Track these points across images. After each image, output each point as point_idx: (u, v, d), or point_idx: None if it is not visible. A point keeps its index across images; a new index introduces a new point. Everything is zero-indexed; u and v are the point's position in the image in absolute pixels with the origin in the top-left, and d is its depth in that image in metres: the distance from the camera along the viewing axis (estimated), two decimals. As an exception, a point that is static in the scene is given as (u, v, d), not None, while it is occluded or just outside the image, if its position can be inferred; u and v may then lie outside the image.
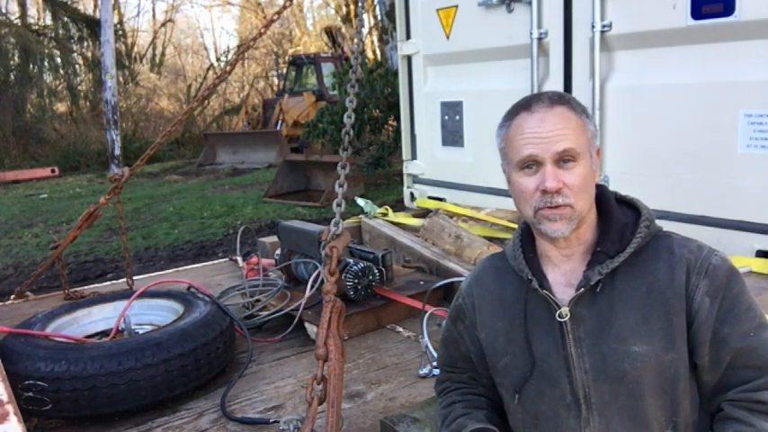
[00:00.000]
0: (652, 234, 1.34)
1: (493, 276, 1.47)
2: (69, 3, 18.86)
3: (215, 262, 4.04)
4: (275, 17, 3.17)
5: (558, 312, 1.31)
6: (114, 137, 13.30)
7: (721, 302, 1.27)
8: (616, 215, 1.36)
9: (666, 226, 1.40)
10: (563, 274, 1.36)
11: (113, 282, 3.69)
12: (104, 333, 2.51)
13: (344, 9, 22.78)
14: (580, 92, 3.31)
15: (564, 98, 1.35)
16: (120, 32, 20.65)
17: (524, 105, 1.35)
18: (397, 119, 7.84)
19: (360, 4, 2.23)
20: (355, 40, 1.99)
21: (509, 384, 1.40)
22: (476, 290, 1.49)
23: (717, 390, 1.30)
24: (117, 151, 13.35)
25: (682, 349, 1.28)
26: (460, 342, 1.52)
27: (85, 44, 19.06)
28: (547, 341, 1.34)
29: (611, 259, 1.30)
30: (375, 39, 20.32)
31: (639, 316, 1.28)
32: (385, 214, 3.91)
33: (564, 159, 1.28)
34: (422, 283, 2.89)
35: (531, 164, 1.30)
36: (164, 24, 26.92)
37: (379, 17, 17.89)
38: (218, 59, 27.48)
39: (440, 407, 1.57)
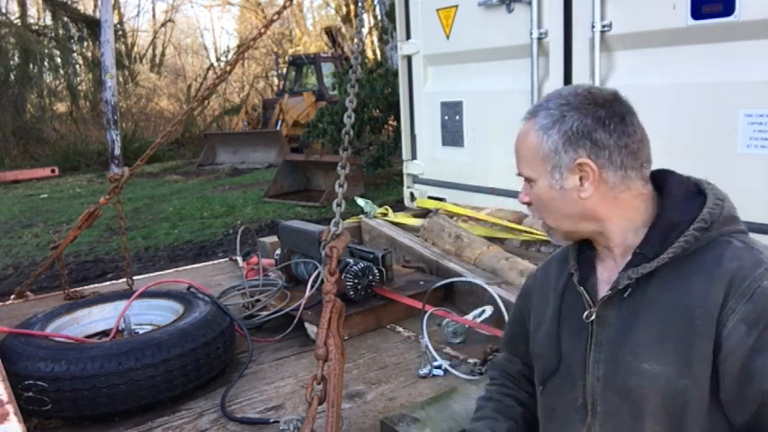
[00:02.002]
0: (708, 239, 1.19)
1: (557, 264, 1.44)
2: (69, 3, 18.85)
3: (215, 262, 4.04)
4: (275, 17, 3.17)
5: (586, 312, 1.27)
6: (114, 137, 13.28)
7: (761, 333, 1.09)
8: (668, 214, 1.23)
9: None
10: (608, 272, 1.29)
11: (113, 282, 3.69)
12: (104, 333, 2.51)
13: (344, 9, 22.78)
14: (580, 92, 3.31)
15: (537, 110, 1.29)
16: (120, 32, 20.64)
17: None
18: (397, 119, 7.85)
19: (360, 4, 2.23)
20: (355, 40, 1.99)
21: (538, 375, 1.41)
22: (540, 274, 1.48)
23: None
24: (117, 151, 13.34)
25: (699, 376, 1.14)
26: (525, 321, 1.50)
27: (85, 44, 19.06)
28: (574, 340, 1.31)
29: (648, 263, 1.20)
30: (375, 39, 20.32)
31: (658, 332, 1.18)
32: (385, 214, 3.91)
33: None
34: (422, 283, 2.89)
35: None
36: (164, 24, 26.92)
37: (379, 17, 17.91)
38: (218, 59, 27.49)
39: (483, 391, 1.60)
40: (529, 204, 1.32)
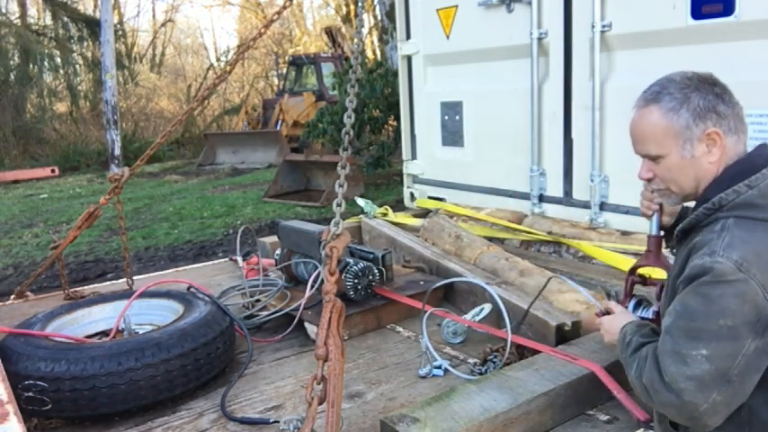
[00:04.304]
0: (716, 218, 1.41)
1: None
2: (69, 3, 18.84)
3: (215, 262, 4.04)
4: (275, 17, 3.17)
5: None
6: (114, 137, 13.28)
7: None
8: (712, 189, 1.45)
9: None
10: None
11: (113, 282, 3.69)
12: (104, 333, 2.51)
13: (344, 9, 22.78)
14: (580, 92, 3.31)
15: (659, 96, 1.49)
16: (120, 32, 20.63)
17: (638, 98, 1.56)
18: (397, 119, 7.85)
19: (360, 4, 2.24)
20: (355, 40, 1.99)
21: None
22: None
23: None
24: (117, 151, 13.35)
25: None
26: None
27: (85, 44, 19.04)
28: None
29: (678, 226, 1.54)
30: (375, 39, 20.32)
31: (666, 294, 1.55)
32: (385, 214, 3.91)
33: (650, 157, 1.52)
34: (422, 283, 2.89)
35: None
36: (164, 24, 26.92)
37: (379, 17, 17.89)
38: (218, 59, 27.46)
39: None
40: (650, 180, 1.56)
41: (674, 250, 1.66)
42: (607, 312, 1.80)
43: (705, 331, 1.30)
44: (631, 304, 1.85)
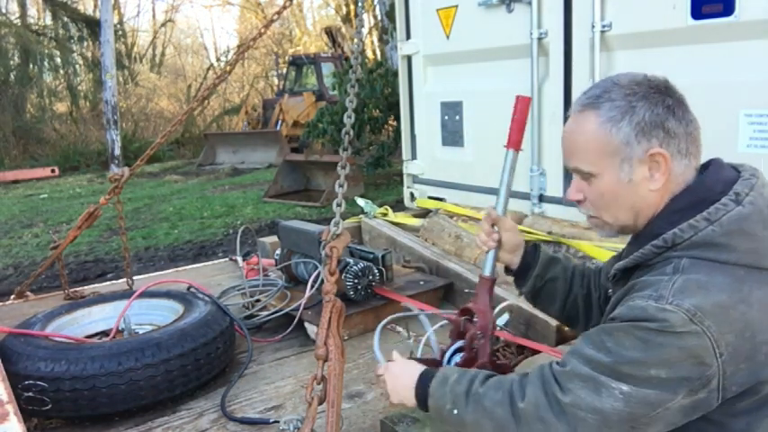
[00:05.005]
0: (668, 257, 1.18)
1: None
2: (69, 3, 18.86)
3: (215, 262, 4.04)
4: (275, 17, 3.17)
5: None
6: (114, 137, 13.30)
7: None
8: (657, 223, 1.22)
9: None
10: None
11: (113, 282, 3.69)
12: (104, 333, 2.51)
13: (344, 9, 22.78)
14: (580, 92, 3.30)
15: (598, 101, 1.23)
16: (120, 32, 20.66)
17: (576, 99, 1.30)
18: (397, 119, 7.85)
19: (360, 4, 2.24)
20: (355, 40, 1.99)
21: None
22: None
23: None
24: (117, 151, 13.37)
25: None
26: None
27: (85, 44, 19.07)
28: None
29: (619, 262, 1.30)
30: (375, 39, 20.32)
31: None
32: (385, 214, 3.91)
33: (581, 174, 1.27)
34: (422, 283, 2.89)
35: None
36: (164, 24, 26.93)
37: (379, 17, 17.91)
38: (218, 59, 27.49)
39: None
40: (580, 202, 1.30)
41: (610, 291, 1.39)
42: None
43: (633, 377, 1.09)
44: (453, 348, 1.69)
